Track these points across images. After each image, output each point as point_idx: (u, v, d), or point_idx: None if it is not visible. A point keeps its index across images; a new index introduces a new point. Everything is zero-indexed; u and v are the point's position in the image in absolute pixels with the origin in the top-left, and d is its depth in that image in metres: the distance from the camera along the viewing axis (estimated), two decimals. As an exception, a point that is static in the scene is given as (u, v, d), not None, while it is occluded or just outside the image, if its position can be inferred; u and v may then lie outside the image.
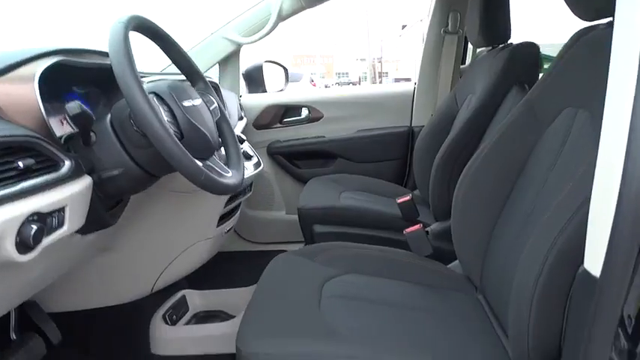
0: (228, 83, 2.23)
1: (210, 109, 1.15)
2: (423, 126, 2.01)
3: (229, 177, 1.07)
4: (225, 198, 1.45)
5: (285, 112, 2.30)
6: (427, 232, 1.40)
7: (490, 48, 1.79)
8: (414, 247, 1.31)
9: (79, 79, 1.16)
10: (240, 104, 2.16)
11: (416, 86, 2.26)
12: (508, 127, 1.14)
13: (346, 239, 1.48)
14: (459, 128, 1.60)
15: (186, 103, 1.04)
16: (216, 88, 1.80)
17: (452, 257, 1.34)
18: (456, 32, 2.18)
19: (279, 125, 2.29)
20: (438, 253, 1.34)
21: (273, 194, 2.31)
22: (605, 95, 0.62)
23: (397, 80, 18.97)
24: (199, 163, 0.97)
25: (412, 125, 2.24)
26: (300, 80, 9.27)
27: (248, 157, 1.59)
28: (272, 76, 2.49)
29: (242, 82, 2.38)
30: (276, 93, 2.41)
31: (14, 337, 1.33)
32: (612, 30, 0.61)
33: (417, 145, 1.99)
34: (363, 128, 2.24)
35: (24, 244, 0.78)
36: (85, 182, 0.95)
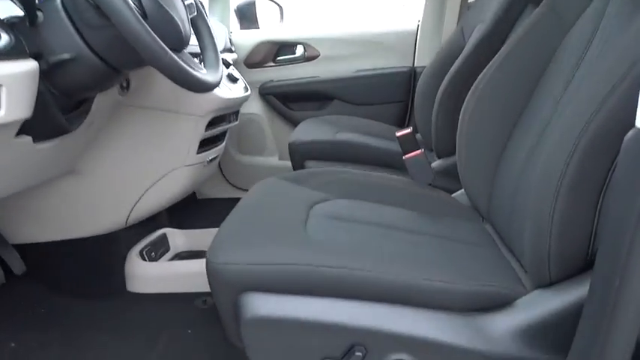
0: (218, 16, 2.06)
1: (186, 3, 1.00)
2: (426, 66, 1.86)
3: (203, 74, 0.92)
4: (206, 120, 1.31)
5: (278, 50, 2.14)
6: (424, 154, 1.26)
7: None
8: (415, 174, 1.17)
9: None
10: (229, 39, 2.00)
11: (420, 23, 2.09)
12: (525, 33, 1.00)
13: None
14: (465, 57, 1.45)
15: None
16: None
17: (456, 189, 1.21)
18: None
19: (272, 64, 2.13)
20: (440, 185, 1.21)
21: (264, 138, 2.16)
22: None
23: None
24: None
25: (415, 66, 2.08)
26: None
27: (234, 80, 1.44)
28: (266, 15, 2.32)
29: (234, 20, 2.22)
30: (269, 29, 2.24)
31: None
32: None
33: (419, 86, 1.83)
34: (362, 68, 2.08)
35: None
36: (28, 65, 0.80)
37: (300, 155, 1.55)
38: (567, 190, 0.63)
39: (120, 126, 1.22)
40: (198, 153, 1.34)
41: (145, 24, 0.78)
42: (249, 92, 1.54)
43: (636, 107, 0.51)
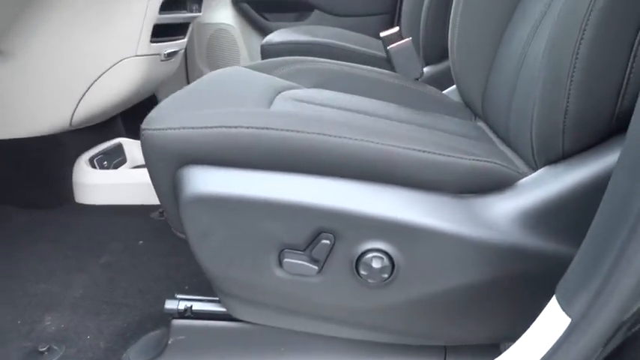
0: None
1: None
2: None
3: None
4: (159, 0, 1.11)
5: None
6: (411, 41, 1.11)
7: None
8: (401, 66, 1.01)
9: None
10: None
11: None
12: None
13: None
14: None
15: None
16: None
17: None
18: None
19: (246, -35, 1.91)
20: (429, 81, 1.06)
21: (237, 52, 1.96)
22: None
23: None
24: None
25: (405, -28, 1.88)
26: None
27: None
28: None
29: None
30: None
31: None
32: None
33: None
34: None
35: None
36: None
37: (271, 55, 1.38)
38: (594, 31, 0.49)
39: (54, 5, 1.03)
40: (151, 42, 1.15)
41: None
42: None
43: None
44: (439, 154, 0.55)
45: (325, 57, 1.36)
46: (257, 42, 1.95)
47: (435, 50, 1.30)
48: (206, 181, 0.55)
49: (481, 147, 0.72)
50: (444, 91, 1.05)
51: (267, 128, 0.55)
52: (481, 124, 0.91)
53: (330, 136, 0.54)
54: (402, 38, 1.24)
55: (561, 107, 0.51)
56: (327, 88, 0.90)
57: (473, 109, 0.94)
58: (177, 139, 0.56)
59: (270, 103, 0.74)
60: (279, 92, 0.81)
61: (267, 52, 1.40)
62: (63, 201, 1.24)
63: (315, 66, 0.98)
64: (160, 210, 1.20)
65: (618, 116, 0.51)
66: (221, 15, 1.89)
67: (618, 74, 0.49)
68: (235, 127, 0.55)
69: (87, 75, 1.12)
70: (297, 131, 0.54)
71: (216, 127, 0.55)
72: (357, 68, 1.00)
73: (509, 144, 0.77)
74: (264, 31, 1.94)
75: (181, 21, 1.26)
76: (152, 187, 1.00)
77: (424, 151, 0.55)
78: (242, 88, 0.79)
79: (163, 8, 1.14)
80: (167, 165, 0.57)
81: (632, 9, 0.47)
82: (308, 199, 0.54)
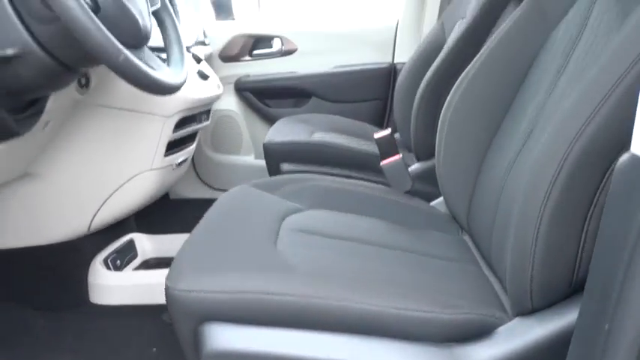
0: (193, 5, 1.97)
1: None
2: (406, 62, 1.80)
3: (164, 72, 0.85)
4: (174, 121, 1.23)
5: (255, 44, 2.05)
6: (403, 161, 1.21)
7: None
8: (393, 181, 1.12)
9: None
10: (204, 31, 1.92)
11: (399, 19, 2.04)
12: (507, 31, 0.95)
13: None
14: (445, 55, 1.40)
15: None
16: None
17: (434, 199, 1.16)
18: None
19: (248, 58, 2.05)
20: (418, 195, 1.16)
21: (240, 136, 2.08)
22: None
23: None
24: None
25: (394, 62, 2.02)
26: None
27: (205, 77, 1.36)
28: (243, 5, 2.24)
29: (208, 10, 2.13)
30: (245, 22, 2.16)
31: None
32: None
33: (398, 82, 1.78)
34: (340, 64, 2.02)
35: None
36: None
37: (275, 157, 1.48)
38: (551, 212, 0.58)
39: (80, 126, 1.14)
40: (165, 156, 1.26)
41: (96, 18, 0.70)
42: (221, 90, 1.46)
43: (627, 125, 0.46)
44: (424, 312, 0.63)
45: (323, 155, 1.48)
46: (259, 126, 2.08)
47: (426, 147, 1.40)
48: (226, 339, 0.63)
49: (464, 277, 0.81)
50: (433, 202, 1.14)
51: (278, 294, 0.64)
52: (467, 237, 1.00)
53: (329, 299, 0.63)
54: (394, 139, 1.36)
55: (527, 274, 0.60)
56: (325, 207, 0.99)
57: (459, 221, 1.03)
58: (198, 300, 0.64)
59: (277, 234, 0.83)
60: (284, 218, 0.90)
61: (269, 150, 1.50)
62: (79, 302, 1.31)
63: (313, 184, 1.07)
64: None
65: (577, 281, 0.60)
66: (226, 102, 2.01)
67: (574, 248, 0.58)
68: (252, 292, 0.64)
69: (105, 189, 1.22)
70: (301, 296, 0.63)
71: (234, 292, 0.64)
72: (352, 185, 1.10)
73: (490, 266, 0.86)
74: (265, 117, 2.06)
75: (191, 132, 1.38)
76: (161, 287, 1.08)
77: (410, 310, 0.63)
78: (250, 219, 0.88)
79: (177, 125, 1.25)
80: (189, 320, 0.66)
81: (584, 198, 0.57)
82: (313, 353, 0.62)
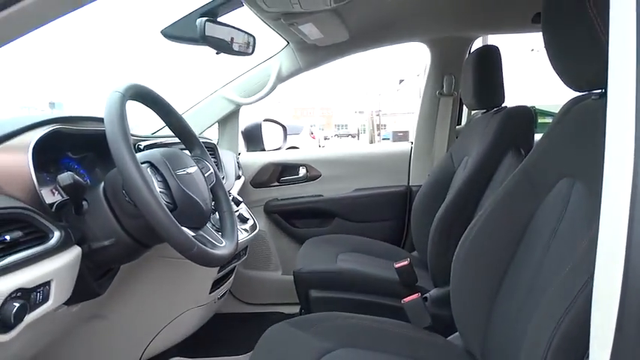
0: (226, 142, 2.25)
1: (206, 175, 1.15)
2: (421, 185, 2.01)
3: (222, 247, 1.05)
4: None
5: (282, 171, 2.30)
6: (426, 297, 1.36)
7: (485, 111, 1.81)
8: (413, 318, 1.26)
9: (74, 145, 1.17)
10: (238, 162, 2.17)
11: (413, 146, 2.28)
12: (504, 195, 1.13)
13: (343, 305, 1.42)
14: (456, 192, 1.59)
15: (180, 172, 1.03)
16: (213, 148, 1.81)
17: (452, 326, 1.30)
18: (451, 94, 2.22)
19: (276, 184, 2.29)
20: (437, 322, 1.29)
21: (269, 254, 2.27)
22: (600, 167, 0.59)
23: (395, 133, 19.23)
24: (191, 233, 0.95)
25: (410, 184, 2.24)
26: (300, 133, 9.41)
27: (244, 220, 1.57)
28: (271, 134, 2.52)
29: (241, 140, 2.41)
30: (273, 151, 2.43)
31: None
32: (605, 101, 0.59)
33: (414, 205, 1.97)
34: (360, 187, 2.24)
35: (4, 323, 0.76)
36: (73, 253, 0.93)
37: (304, 285, 1.65)
38: None
39: (139, 274, 1.33)
40: (210, 292, 1.44)
41: (174, 220, 0.90)
42: (257, 230, 1.66)
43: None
44: None
45: (348, 282, 1.63)
46: (287, 245, 2.26)
47: (442, 273, 1.54)
48: None
49: None
50: (450, 337, 1.28)
51: None
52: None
53: None
54: (412, 269, 1.51)
55: None
56: (354, 346, 1.14)
57: (475, 356, 1.15)
58: None
59: None
60: (321, 357, 1.05)
61: (298, 279, 1.66)
62: None
63: (342, 323, 1.23)
64: None
65: None
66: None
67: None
68: None
69: (157, 325, 1.39)
70: None
71: None
72: (376, 322, 1.25)
73: None
74: (293, 236, 2.26)
75: (231, 269, 1.57)
76: None
77: None
78: None
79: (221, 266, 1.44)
80: None
81: None
82: None
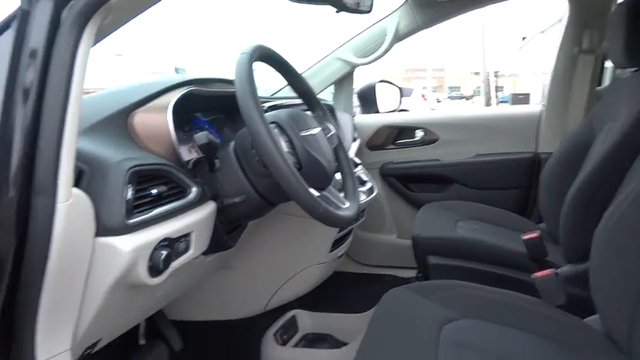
0: (342, 104, 2.24)
1: (328, 136, 1.15)
2: (551, 153, 1.84)
3: (345, 209, 1.05)
4: (339, 224, 1.45)
5: (398, 134, 2.25)
6: (557, 274, 1.26)
7: (636, 69, 1.59)
8: (545, 295, 1.17)
9: (205, 106, 1.23)
10: (353, 125, 2.16)
11: (544, 109, 2.09)
12: None
13: (463, 273, 1.38)
14: (598, 161, 1.42)
15: (304, 133, 1.04)
16: (331, 110, 1.81)
17: (589, 307, 1.19)
18: (593, 51, 1.98)
19: (392, 146, 2.25)
20: (571, 301, 1.19)
21: (384, 217, 2.26)
22: None
23: (515, 96, 17.90)
24: (316, 193, 0.96)
25: (538, 151, 2.06)
26: (410, 95, 9.15)
27: (362, 183, 1.57)
28: (385, 96, 2.47)
29: (355, 102, 2.39)
30: (389, 114, 2.38)
31: (143, 342, 1.44)
32: None
33: (543, 174, 1.82)
34: (481, 153, 2.12)
35: (155, 268, 0.83)
36: (209, 208, 0.99)
37: (423, 250, 1.62)
38: None
39: (265, 230, 1.39)
40: (330, 252, 1.47)
41: (302, 180, 0.92)
42: (375, 192, 1.65)
43: None
44: None
45: (469, 251, 1.57)
46: (402, 208, 2.23)
47: (577, 250, 1.41)
48: None
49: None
50: (587, 319, 1.17)
51: None
52: (626, 360, 1.02)
53: None
54: (542, 243, 1.41)
55: None
56: (479, 318, 1.09)
57: (617, 342, 1.05)
58: None
59: (437, 346, 0.95)
60: (442, 327, 1.03)
61: (417, 244, 1.63)
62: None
63: (466, 292, 1.18)
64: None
65: None
66: (371, 186, 2.21)
67: None
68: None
69: (280, 278, 1.46)
70: None
71: None
72: (504, 295, 1.19)
73: None
74: (408, 200, 2.22)
75: (350, 230, 1.59)
76: None
77: None
78: (411, 327, 1.02)
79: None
80: None
81: None
82: None
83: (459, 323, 1.06)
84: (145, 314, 1.15)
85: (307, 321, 1.71)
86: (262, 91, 1.87)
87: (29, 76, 0.69)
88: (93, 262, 0.77)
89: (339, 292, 1.98)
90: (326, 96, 2.27)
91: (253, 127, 0.91)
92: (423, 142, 2.21)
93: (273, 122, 1.01)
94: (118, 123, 0.93)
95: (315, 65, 2.13)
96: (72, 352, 0.80)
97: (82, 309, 0.80)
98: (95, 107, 0.95)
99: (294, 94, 1.28)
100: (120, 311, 0.92)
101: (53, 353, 0.76)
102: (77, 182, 0.75)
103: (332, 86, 2.23)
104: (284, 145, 0.99)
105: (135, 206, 0.81)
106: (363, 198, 1.48)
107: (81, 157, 0.77)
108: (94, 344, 0.98)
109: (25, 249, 0.69)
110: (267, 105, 1.36)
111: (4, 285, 0.69)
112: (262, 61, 1.08)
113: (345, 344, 1.63)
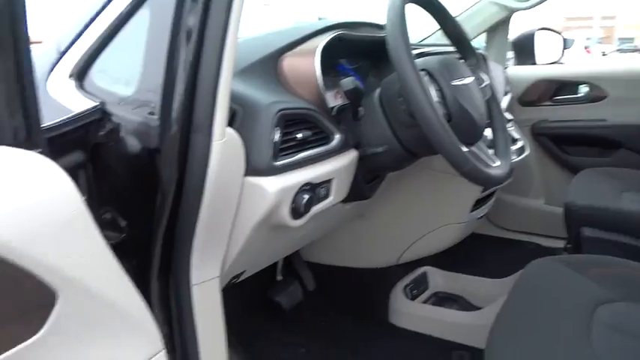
0: (494, 53, 2.05)
1: (481, 87, 1.06)
2: None
3: (496, 167, 0.97)
4: (483, 183, 1.35)
5: (557, 89, 2.01)
6: None
7: None
8: None
9: (350, 53, 1.20)
10: (506, 77, 1.98)
11: None
12: None
13: (622, 250, 1.22)
14: None
15: (456, 82, 0.97)
16: (484, 59, 1.67)
17: None
18: None
19: (548, 103, 2.02)
20: None
21: (532, 180, 2.07)
22: None
23: None
24: (464, 148, 0.90)
25: None
26: (571, 47, 8.16)
27: (513, 141, 1.44)
28: (544, 46, 2.20)
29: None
30: (548, 66, 2.12)
31: (280, 278, 1.54)
32: None
33: None
34: (662, 114, 1.81)
35: (296, 211, 0.85)
36: (351, 156, 0.98)
37: (577, 220, 1.45)
38: None
39: (404, 183, 1.36)
40: (471, 211, 1.39)
41: (451, 132, 0.86)
42: (527, 152, 1.51)
43: None
44: None
45: (633, 226, 1.38)
46: (553, 172, 2.03)
47: None
48: None
49: None
50: None
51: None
52: None
53: None
54: None
55: None
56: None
57: None
58: None
59: (589, 328, 0.85)
60: (596, 308, 0.92)
61: (571, 212, 1.47)
62: (378, 319, 1.56)
63: (627, 272, 1.04)
64: (460, 353, 1.40)
65: None
66: (520, 145, 2.04)
67: None
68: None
69: (416, 233, 1.43)
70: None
71: None
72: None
73: None
74: (562, 163, 2.00)
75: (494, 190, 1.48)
76: (451, 326, 1.19)
77: None
78: (560, 302, 0.92)
79: (484, 186, 1.37)
80: None
81: None
82: None
83: (617, 306, 0.94)
84: (283, 253, 1.21)
85: (439, 279, 1.67)
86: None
87: (192, 19, 0.72)
88: (241, 200, 0.81)
89: (475, 254, 1.89)
90: (476, 45, 2.10)
91: (403, 74, 0.86)
92: (588, 99, 1.95)
93: (423, 69, 0.95)
94: (268, 66, 0.95)
95: (468, 10, 1.96)
96: (220, 280, 0.87)
97: (230, 242, 0.85)
98: (246, 51, 0.98)
99: (443, 42, 1.20)
100: (262, 248, 0.97)
101: (205, 278, 0.83)
102: (230, 122, 0.78)
103: (484, 35, 2.05)
104: (434, 94, 0.93)
105: (281, 149, 0.83)
106: (513, 158, 1.36)
107: (234, 99, 0.80)
108: (239, 275, 1.06)
109: (184, 182, 0.75)
110: (416, 52, 1.29)
111: (166, 213, 0.76)
112: (416, 3, 1.01)
113: (477, 308, 1.56)
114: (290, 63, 0.98)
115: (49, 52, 0.90)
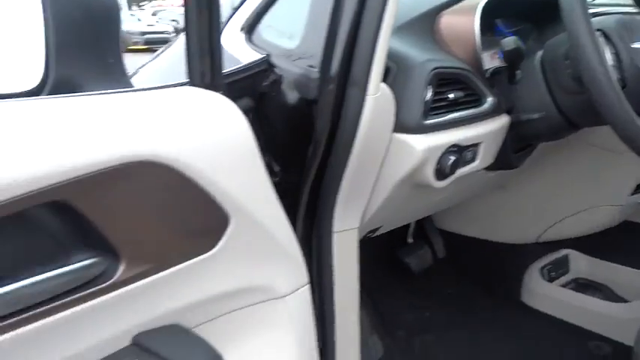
0: None
1: None
2: None
3: None
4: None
5: None
6: None
7: None
8: None
9: (512, 12, 1.13)
10: None
11: None
12: None
13: None
14: None
15: (637, 45, 0.86)
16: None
17: None
18: None
19: None
20: None
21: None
22: None
23: None
24: (639, 121, 0.81)
25: None
26: None
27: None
28: None
29: None
30: None
31: (410, 241, 1.55)
32: None
33: None
34: None
35: (441, 172, 0.85)
36: (502, 121, 0.94)
37: None
38: None
39: (557, 156, 1.27)
40: (630, 194, 1.26)
41: (625, 100, 0.78)
42: None
43: None
44: None
45: None
46: None
47: None
48: None
49: None
50: None
51: None
52: None
53: None
54: None
55: None
56: None
57: None
58: None
59: None
60: None
61: None
62: (510, 297, 1.51)
63: None
64: (597, 343, 1.30)
65: None
66: None
67: None
68: None
69: (562, 211, 1.34)
70: None
71: None
72: None
73: None
74: None
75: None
76: (590, 315, 1.11)
77: None
78: None
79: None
80: None
81: None
82: None
83: None
84: (420, 214, 1.22)
85: (582, 264, 1.55)
86: None
87: None
88: (387, 155, 0.83)
89: (627, 243, 1.70)
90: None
91: (575, 31, 0.79)
92: None
93: (598, 30, 0.86)
94: (425, 23, 0.94)
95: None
96: (359, 231, 0.90)
97: (372, 196, 0.88)
98: (404, 8, 0.97)
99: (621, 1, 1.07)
100: (402, 205, 0.98)
101: (346, 227, 0.87)
102: (384, 78, 0.80)
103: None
104: (609, 58, 0.84)
105: (431, 108, 0.83)
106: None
107: (389, 55, 0.81)
108: (375, 230, 1.09)
109: (336, 133, 0.79)
110: (591, 11, 1.17)
111: (316, 162, 0.80)
112: None
113: (624, 301, 1.43)
114: (448, 20, 0.95)
115: (223, 8, 0.98)
